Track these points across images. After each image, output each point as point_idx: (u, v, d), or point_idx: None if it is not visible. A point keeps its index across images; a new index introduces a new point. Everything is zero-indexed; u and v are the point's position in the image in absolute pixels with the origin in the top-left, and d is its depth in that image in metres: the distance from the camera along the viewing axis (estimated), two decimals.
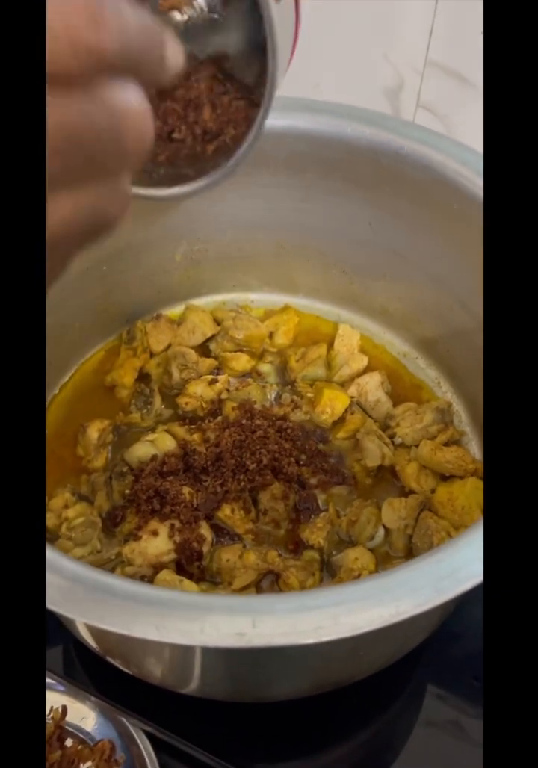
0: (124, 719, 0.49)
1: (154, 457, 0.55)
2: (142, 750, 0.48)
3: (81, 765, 0.48)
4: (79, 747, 0.48)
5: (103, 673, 0.52)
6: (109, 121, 0.22)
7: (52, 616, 0.45)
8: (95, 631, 0.45)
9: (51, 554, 0.34)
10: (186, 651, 0.40)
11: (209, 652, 0.38)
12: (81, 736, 0.49)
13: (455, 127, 0.74)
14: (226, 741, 0.50)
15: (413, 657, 0.51)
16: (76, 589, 0.33)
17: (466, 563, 0.34)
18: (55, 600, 0.33)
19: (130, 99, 0.22)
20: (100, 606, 0.32)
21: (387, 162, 0.56)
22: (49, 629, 0.25)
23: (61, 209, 0.22)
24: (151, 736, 0.49)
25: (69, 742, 0.49)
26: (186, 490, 0.52)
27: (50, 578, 0.33)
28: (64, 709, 0.49)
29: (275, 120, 0.57)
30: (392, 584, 0.33)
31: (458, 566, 0.33)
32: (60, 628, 0.49)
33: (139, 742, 0.48)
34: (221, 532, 0.54)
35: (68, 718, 0.49)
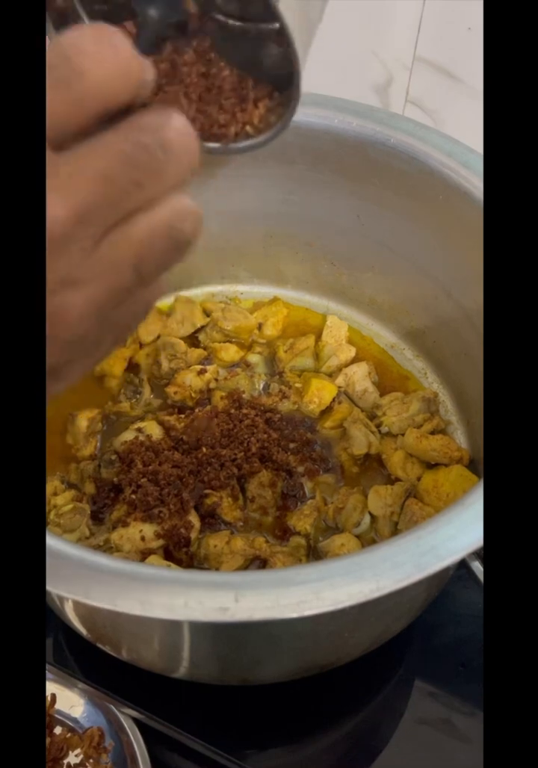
0: (113, 706, 0.49)
1: (141, 443, 0.55)
2: (131, 737, 0.48)
3: (70, 753, 0.48)
4: (68, 735, 0.49)
5: (92, 661, 0.52)
6: (154, 138, 0.23)
7: None
8: (84, 616, 0.45)
9: None
10: (173, 631, 0.40)
11: (196, 631, 0.39)
12: (70, 723, 0.49)
13: (443, 122, 0.75)
14: (215, 727, 0.51)
15: (400, 644, 0.52)
16: (63, 567, 0.33)
17: (446, 540, 0.34)
18: None
19: (170, 116, 0.24)
20: (86, 582, 0.33)
21: (375, 154, 0.57)
22: None
23: (137, 230, 0.23)
24: (140, 723, 0.49)
25: (58, 730, 0.49)
26: (174, 476, 0.53)
27: None
28: (53, 697, 0.49)
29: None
30: (374, 561, 0.33)
31: (438, 543, 0.34)
32: (49, 616, 0.49)
33: (128, 729, 0.48)
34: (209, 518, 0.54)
35: (57, 706, 0.49)
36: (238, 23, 0.35)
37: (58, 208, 0.21)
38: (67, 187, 0.22)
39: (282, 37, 0.30)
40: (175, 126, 0.23)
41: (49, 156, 0.22)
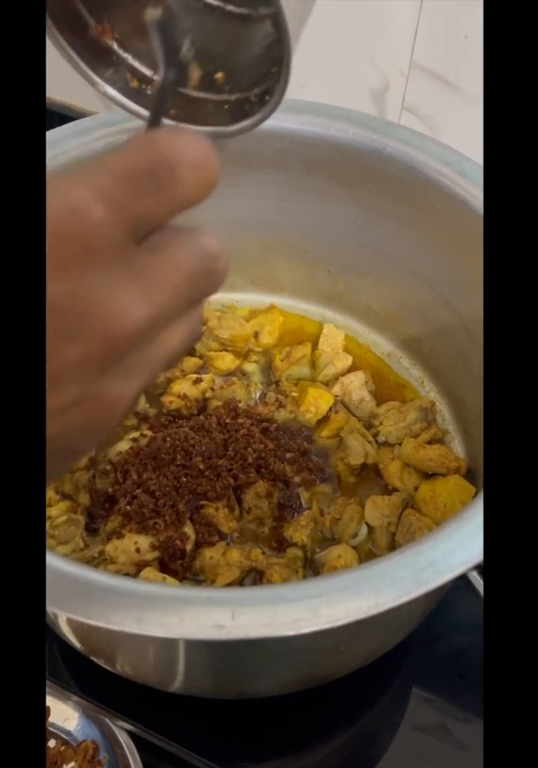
0: (107, 719, 0.49)
1: (136, 453, 0.54)
2: (126, 750, 0.48)
3: (64, 766, 0.48)
4: (62, 748, 0.48)
5: (87, 673, 0.51)
6: (214, 266, 0.26)
7: None
8: (78, 630, 0.45)
9: None
10: (169, 646, 0.40)
11: (191, 647, 0.38)
12: (64, 736, 0.49)
13: (438, 129, 0.74)
14: (211, 740, 0.50)
15: (397, 654, 0.51)
16: (57, 583, 0.33)
17: (446, 555, 0.34)
18: None
19: (212, 239, 0.26)
20: (80, 599, 0.32)
21: (371, 161, 0.56)
22: None
23: (180, 334, 0.26)
24: (134, 736, 0.49)
25: (52, 743, 0.49)
26: (170, 487, 0.52)
27: None
28: (47, 709, 0.49)
29: None
30: (372, 576, 0.33)
31: (437, 558, 0.33)
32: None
33: (122, 742, 0.48)
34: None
35: (51, 719, 0.49)
36: (236, 9, 0.37)
37: (142, 307, 0.23)
38: (150, 291, 0.24)
39: (276, 20, 0.32)
40: (224, 258, 0.26)
41: (132, 250, 0.24)
